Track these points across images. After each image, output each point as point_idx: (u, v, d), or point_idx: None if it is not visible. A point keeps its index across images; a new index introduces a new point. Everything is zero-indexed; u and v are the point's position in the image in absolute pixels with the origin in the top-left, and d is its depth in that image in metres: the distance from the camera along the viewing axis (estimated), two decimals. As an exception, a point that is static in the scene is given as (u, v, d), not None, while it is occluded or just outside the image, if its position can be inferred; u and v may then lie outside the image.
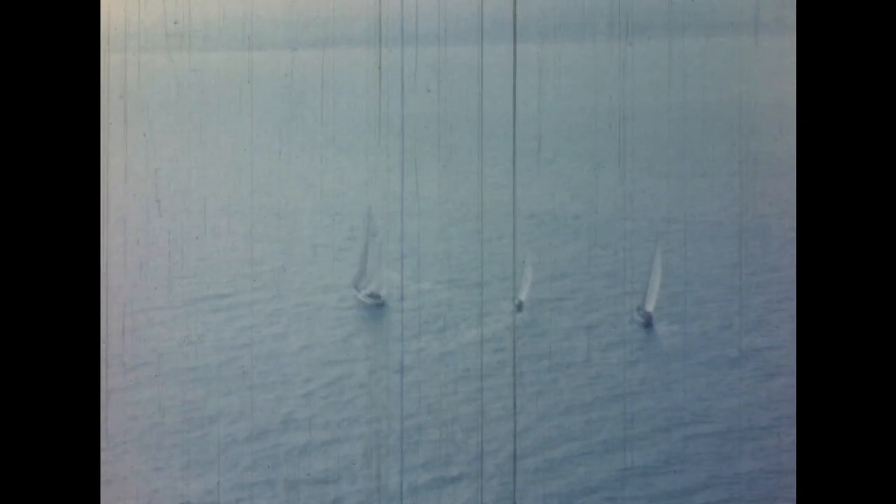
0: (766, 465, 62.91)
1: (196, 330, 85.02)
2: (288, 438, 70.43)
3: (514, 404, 71.71)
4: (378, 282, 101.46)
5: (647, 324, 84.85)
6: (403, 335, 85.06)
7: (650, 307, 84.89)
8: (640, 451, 66.11)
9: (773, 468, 62.31)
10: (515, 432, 68.06)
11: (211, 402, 74.45)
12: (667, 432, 67.59)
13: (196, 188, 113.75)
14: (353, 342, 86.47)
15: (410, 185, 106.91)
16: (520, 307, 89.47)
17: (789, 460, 61.18)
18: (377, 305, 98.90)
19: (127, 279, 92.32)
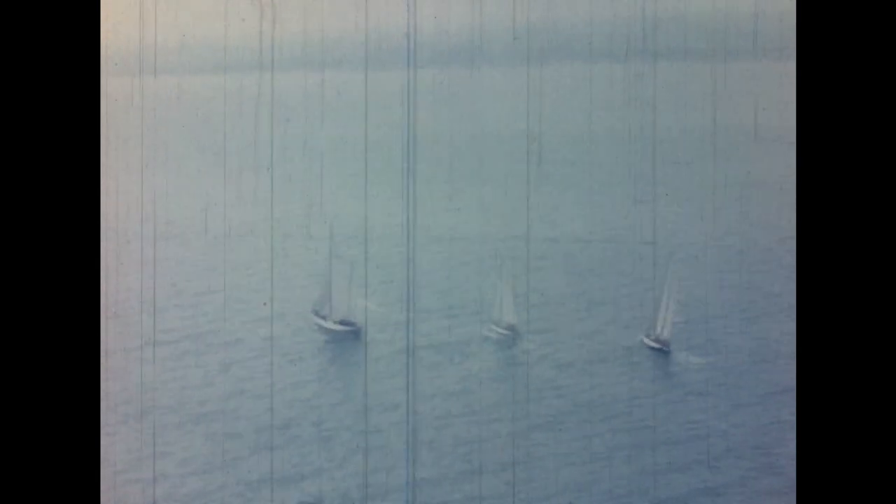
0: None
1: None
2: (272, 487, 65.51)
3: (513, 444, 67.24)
4: (349, 308, 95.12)
5: (665, 350, 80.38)
6: (386, 370, 79.83)
7: (666, 332, 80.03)
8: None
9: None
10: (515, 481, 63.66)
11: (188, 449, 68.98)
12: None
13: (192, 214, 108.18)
14: (333, 376, 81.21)
15: (393, 208, 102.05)
16: (512, 332, 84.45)
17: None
18: (351, 333, 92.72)
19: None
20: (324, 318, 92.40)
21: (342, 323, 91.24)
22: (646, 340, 79.72)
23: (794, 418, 66.80)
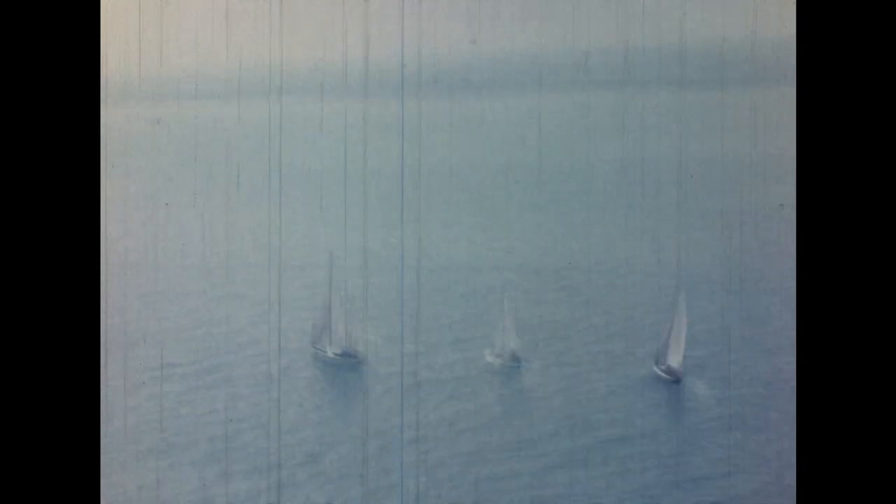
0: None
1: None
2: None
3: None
4: (349, 339, 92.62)
5: (676, 380, 76.50)
6: (396, 402, 78.08)
7: (675, 362, 78.89)
8: None
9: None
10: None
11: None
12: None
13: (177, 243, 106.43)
14: (341, 409, 79.50)
15: (393, 239, 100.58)
16: (515, 360, 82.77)
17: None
18: (354, 364, 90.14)
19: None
20: (323, 349, 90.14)
21: (343, 354, 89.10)
22: (656, 370, 78.47)
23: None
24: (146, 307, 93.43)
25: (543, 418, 72.42)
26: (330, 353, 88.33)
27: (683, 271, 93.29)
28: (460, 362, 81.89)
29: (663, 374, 76.56)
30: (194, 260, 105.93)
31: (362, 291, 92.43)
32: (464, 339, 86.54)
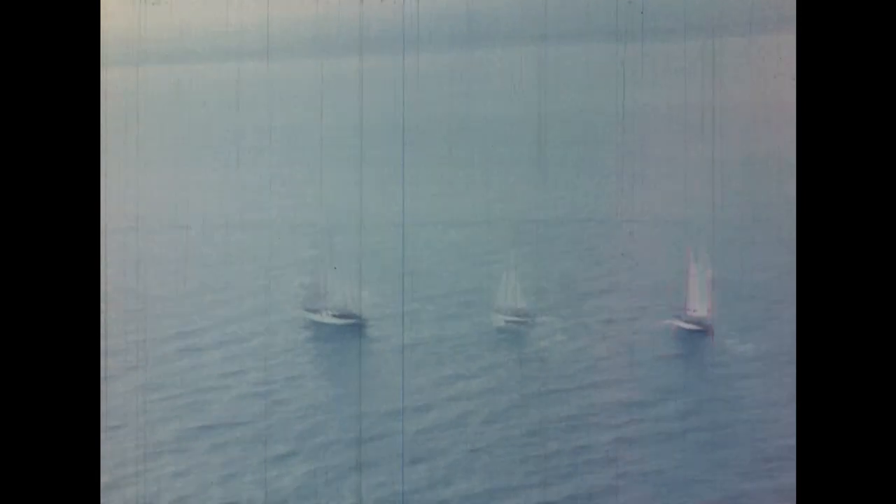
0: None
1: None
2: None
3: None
4: (343, 298, 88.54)
5: (706, 332, 71.48)
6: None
7: (703, 310, 74.84)
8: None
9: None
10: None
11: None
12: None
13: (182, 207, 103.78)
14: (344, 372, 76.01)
15: (389, 196, 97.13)
16: (524, 317, 79.22)
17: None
18: (353, 325, 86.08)
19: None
20: (316, 311, 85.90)
21: (340, 315, 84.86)
22: (680, 324, 75.03)
23: None
24: (146, 275, 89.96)
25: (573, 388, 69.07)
26: (326, 317, 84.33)
27: (699, 221, 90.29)
28: (477, 325, 78.14)
29: (690, 326, 73.26)
30: (191, 223, 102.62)
31: (359, 251, 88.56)
32: (474, 301, 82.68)
